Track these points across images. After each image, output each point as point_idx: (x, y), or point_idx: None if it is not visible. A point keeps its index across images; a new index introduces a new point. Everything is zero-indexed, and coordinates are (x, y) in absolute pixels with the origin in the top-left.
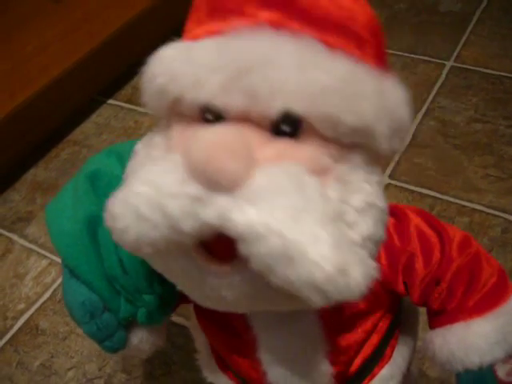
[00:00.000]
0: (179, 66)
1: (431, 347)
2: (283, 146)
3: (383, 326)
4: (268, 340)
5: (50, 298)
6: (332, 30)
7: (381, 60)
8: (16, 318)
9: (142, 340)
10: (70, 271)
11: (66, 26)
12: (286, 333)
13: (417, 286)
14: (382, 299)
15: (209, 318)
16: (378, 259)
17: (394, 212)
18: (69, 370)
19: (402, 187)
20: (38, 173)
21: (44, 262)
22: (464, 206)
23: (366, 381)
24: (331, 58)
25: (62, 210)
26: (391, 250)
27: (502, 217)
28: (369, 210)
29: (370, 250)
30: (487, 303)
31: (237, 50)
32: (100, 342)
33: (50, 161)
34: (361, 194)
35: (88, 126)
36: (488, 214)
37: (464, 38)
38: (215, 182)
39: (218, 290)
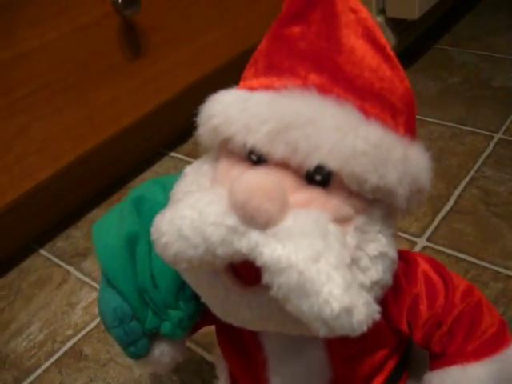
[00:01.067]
0: (234, 112)
1: None
2: (314, 193)
3: (390, 365)
4: (277, 362)
5: (96, 327)
6: (371, 99)
7: (410, 128)
8: (63, 343)
9: (163, 353)
10: (108, 281)
11: (137, 82)
12: (294, 357)
13: (420, 327)
14: (388, 337)
15: (227, 338)
16: (385, 297)
17: (405, 257)
18: None
19: (439, 250)
20: (99, 214)
21: (94, 294)
22: (499, 273)
23: None
24: (367, 125)
25: (107, 227)
26: (398, 290)
27: None
28: (381, 258)
29: (376, 293)
30: (485, 350)
31: (285, 106)
32: (125, 346)
33: (112, 204)
34: (376, 244)
35: (149, 175)
36: None
37: None
38: (251, 219)
39: (238, 307)
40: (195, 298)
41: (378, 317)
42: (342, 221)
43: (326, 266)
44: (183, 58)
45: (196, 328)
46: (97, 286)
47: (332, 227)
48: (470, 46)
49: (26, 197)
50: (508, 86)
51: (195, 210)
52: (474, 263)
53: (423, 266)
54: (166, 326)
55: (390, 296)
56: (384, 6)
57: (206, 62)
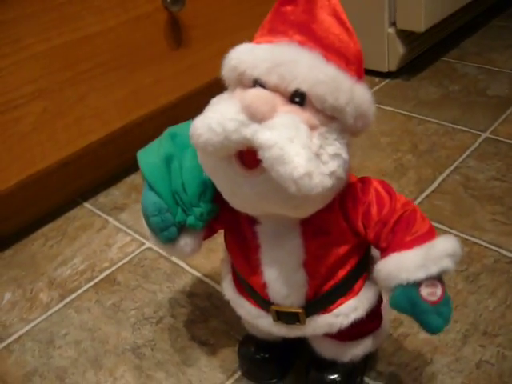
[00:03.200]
0: (246, 56)
1: (378, 271)
2: (294, 108)
3: (352, 262)
4: (267, 247)
5: (128, 262)
6: (332, 52)
7: (359, 74)
8: (100, 272)
9: (186, 243)
10: (149, 186)
11: (177, 69)
12: (279, 243)
13: (372, 227)
14: (348, 235)
15: (232, 233)
16: (345, 204)
17: (363, 179)
18: (132, 310)
19: None
20: (136, 178)
21: (128, 238)
22: (466, 239)
23: (334, 305)
24: (327, 65)
25: (149, 152)
26: (355, 199)
27: (496, 251)
28: (336, 157)
29: (333, 182)
30: (416, 241)
31: (278, 52)
32: (161, 230)
33: None
34: (333, 147)
35: None
36: (486, 247)
37: (503, 117)
38: (253, 116)
39: (242, 187)
40: (211, 200)
41: (329, 184)
42: (311, 128)
43: (297, 146)
44: (216, 52)
45: (211, 231)
46: (131, 232)
47: (303, 125)
48: (472, 59)
49: (77, 156)
50: (501, 95)
51: (218, 112)
52: (447, 231)
53: (375, 185)
54: (191, 219)
55: (350, 203)
56: (395, 18)
57: None
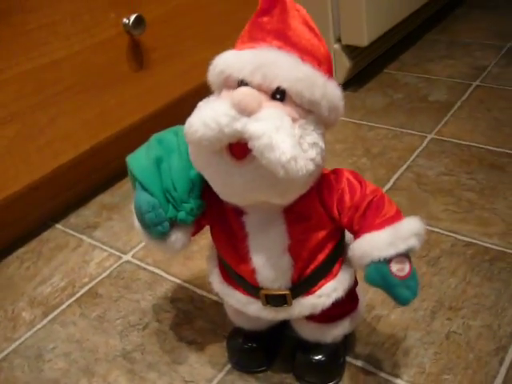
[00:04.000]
0: (232, 60)
1: (350, 252)
2: (276, 103)
3: (329, 246)
4: (254, 235)
5: (107, 276)
6: (306, 54)
7: (329, 72)
8: (81, 287)
9: (176, 238)
10: (142, 187)
11: (140, 90)
12: (265, 230)
13: (345, 212)
14: (326, 221)
15: (219, 226)
16: (321, 192)
17: (335, 171)
18: (117, 319)
19: None
20: (104, 197)
21: (105, 254)
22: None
23: (316, 287)
24: (303, 65)
25: (138, 155)
26: (330, 188)
27: (452, 236)
28: (315, 145)
29: (314, 168)
30: (386, 223)
31: (260, 55)
32: (155, 225)
33: (115, 190)
34: (311, 137)
35: None
36: (442, 234)
37: (445, 119)
38: (243, 110)
39: (233, 177)
40: (199, 197)
41: (311, 168)
42: (292, 120)
43: (282, 135)
44: (176, 73)
45: (199, 227)
46: (106, 248)
47: (286, 117)
48: (412, 70)
49: (48, 178)
50: (441, 100)
51: (212, 109)
52: None
53: (347, 174)
54: (181, 214)
55: (325, 191)
56: (339, 35)
57: (194, 78)
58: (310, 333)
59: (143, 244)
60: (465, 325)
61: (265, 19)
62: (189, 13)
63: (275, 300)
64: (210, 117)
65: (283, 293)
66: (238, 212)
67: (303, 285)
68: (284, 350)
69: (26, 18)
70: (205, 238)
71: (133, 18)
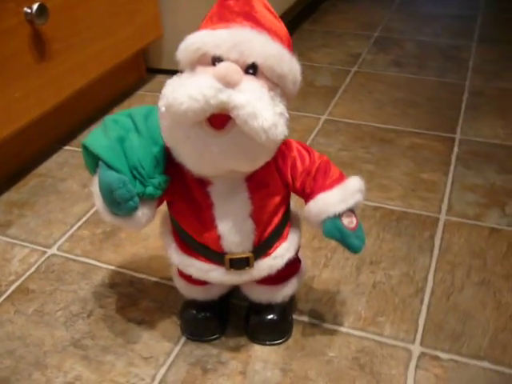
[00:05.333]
0: (209, 39)
1: (307, 212)
2: (251, 77)
3: (281, 211)
4: (220, 204)
5: (35, 271)
6: (273, 33)
7: (291, 49)
8: (9, 286)
9: (143, 213)
10: (107, 166)
11: (43, 81)
12: (230, 198)
13: (298, 177)
14: (280, 186)
15: (183, 200)
16: (276, 161)
17: (285, 142)
18: (57, 311)
19: None
20: (11, 195)
21: (26, 250)
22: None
23: (272, 249)
24: (273, 43)
25: (96, 136)
26: (283, 156)
27: None
28: (282, 115)
29: (286, 134)
30: (335, 183)
31: (235, 34)
32: (126, 201)
33: (21, 187)
34: (279, 107)
35: (48, 165)
36: None
37: (334, 102)
38: (228, 83)
39: (211, 147)
40: (163, 173)
41: (287, 133)
42: None
43: (264, 104)
44: (76, 65)
45: (160, 202)
46: (27, 244)
47: (264, 89)
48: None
49: None
50: (327, 85)
51: (195, 83)
52: None
53: (295, 144)
54: (149, 189)
55: (280, 159)
56: None
57: (93, 70)
58: (262, 295)
59: (67, 236)
60: (386, 275)
61: (231, 2)
62: (86, 3)
63: (239, 263)
64: (196, 90)
65: (246, 256)
66: (203, 184)
67: (262, 247)
68: (233, 317)
69: None
70: None
71: (35, 6)
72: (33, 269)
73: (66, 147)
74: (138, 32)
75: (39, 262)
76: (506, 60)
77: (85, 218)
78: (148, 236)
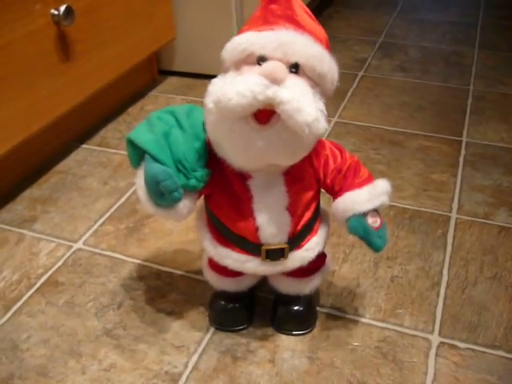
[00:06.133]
0: (255, 39)
1: (335, 208)
2: (294, 75)
3: (313, 205)
4: (258, 196)
5: (63, 264)
6: (314, 35)
7: (330, 51)
8: (38, 278)
9: (184, 204)
10: (153, 159)
11: (67, 80)
12: (269, 192)
13: (329, 174)
14: (313, 182)
15: (222, 194)
16: (311, 158)
17: (319, 141)
18: (88, 302)
19: None
20: (33, 192)
21: (53, 244)
22: None
23: (304, 242)
24: (315, 45)
25: (141, 131)
26: (317, 154)
27: None
28: (322, 112)
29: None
30: (364, 183)
31: (280, 35)
32: (171, 192)
33: (42, 184)
34: (319, 104)
35: (67, 163)
36: None
37: (343, 105)
38: (274, 80)
39: (255, 140)
40: (205, 166)
41: (326, 128)
42: None
43: (307, 99)
44: (98, 65)
45: (199, 195)
46: (53, 238)
47: (307, 86)
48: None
49: None
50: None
51: (244, 81)
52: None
53: (328, 143)
54: (192, 181)
55: (314, 156)
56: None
57: (113, 70)
58: (291, 286)
59: (92, 231)
60: (403, 269)
61: (274, 6)
62: (107, 6)
63: (274, 254)
64: (244, 86)
65: (282, 246)
66: (243, 177)
67: (296, 239)
68: (259, 309)
69: None
70: (153, 221)
71: (63, 8)
72: (60, 262)
73: (84, 145)
74: (153, 35)
75: (66, 256)
76: (507, 66)
77: (108, 214)
78: (171, 231)
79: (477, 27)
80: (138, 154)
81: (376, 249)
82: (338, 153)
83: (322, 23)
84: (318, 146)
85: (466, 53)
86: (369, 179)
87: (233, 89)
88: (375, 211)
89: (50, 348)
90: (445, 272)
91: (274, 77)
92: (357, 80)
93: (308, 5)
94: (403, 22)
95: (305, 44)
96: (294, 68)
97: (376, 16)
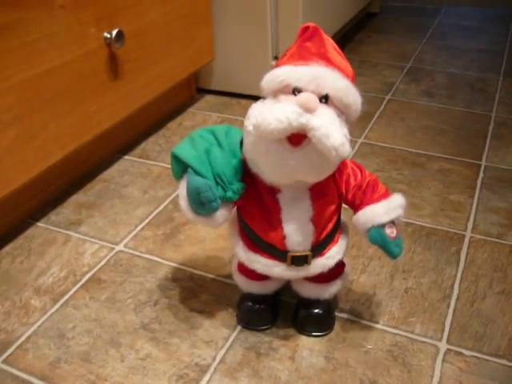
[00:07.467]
0: (291, 73)
1: (356, 220)
2: (324, 105)
3: (335, 218)
4: (286, 209)
5: (106, 264)
6: (342, 71)
7: (355, 84)
8: (83, 275)
9: (221, 214)
10: (195, 172)
11: (116, 97)
12: (295, 205)
13: (350, 190)
14: (335, 197)
15: (254, 205)
16: (334, 175)
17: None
18: (127, 299)
19: None
20: (79, 197)
21: (96, 246)
22: None
23: (326, 250)
24: (343, 79)
25: (185, 147)
26: (340, 171)
27: None
28: (346, 137)
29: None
30: (382, 198)
31: (314, 70)
32: (210, 202)
33: (88, 190)
34: (345, 130)
35: (111, 172)
36: None
37: (369, 127)
38: (308, 109)
39: (287, 160)
40: (240, 181)
41: (350, 151)
42: None
43: (335, 127)
44: (143, 83)
45: (234, 205)
46: (96, 241)
47: (335, 115)
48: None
49: (33, 178)
50: (362, 111)
51: (281, 109)
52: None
53: (350, 163)
54: (229, 193)
55: (337, 174)
56: (277, 53)
57: (155, 88)
58: (311, 291)
59: (132, 235)
60: (417, 282)
61: (308, 44)
62: (154, 30)
63: (299, 260)
64: (281, 114)
65: (306, 254)
66: (273, 191)
67: (318, 248)
68: (282, 312)
69: (29, 30)
70: (188, 229)
71: (115, 32)
72: (103, 262)
73: (126, 157)
74: (193, 56)
75: (108, 257)
76: None
77: (147, 221)
78: (204, 238)
79: (503, 55)
80: (181, 168)
81: (393, 256)
82: (358, 171)
83: (354, 47)
84: (341, 164)
85: (490, 80)
86: (386, 194)
87: (272, 115)
88: (392, 223)
89: (92, 337)
90: (456, 286)
91: (308, 107)
92: (384, 103)
93: (341, 30)
94: (432, 49)
95: (334, 78)
96: (324, 99)
97: (406, 42)
